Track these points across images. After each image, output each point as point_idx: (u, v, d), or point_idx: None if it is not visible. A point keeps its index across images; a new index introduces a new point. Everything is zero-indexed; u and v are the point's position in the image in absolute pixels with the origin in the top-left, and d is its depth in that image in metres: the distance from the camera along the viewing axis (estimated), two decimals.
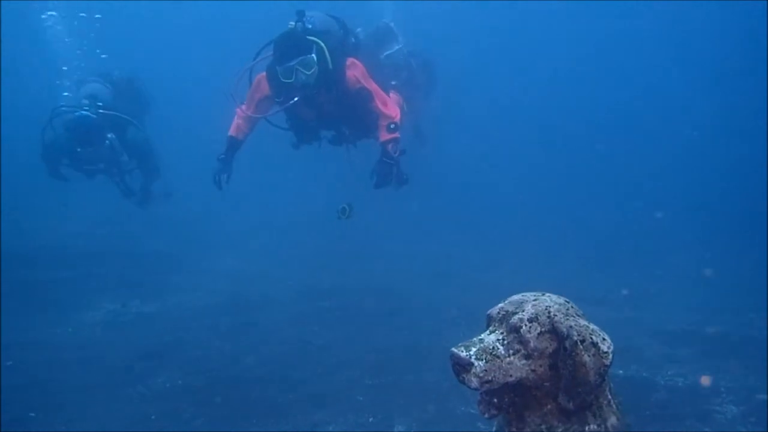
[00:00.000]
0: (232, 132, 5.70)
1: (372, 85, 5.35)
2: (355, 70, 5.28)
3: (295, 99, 5.04)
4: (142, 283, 7.95)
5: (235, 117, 5.68)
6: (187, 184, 11.25)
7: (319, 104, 5.27)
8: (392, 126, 5.25)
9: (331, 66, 5.05)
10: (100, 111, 6.77)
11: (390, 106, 5.42)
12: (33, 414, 4.30)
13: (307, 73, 4.94)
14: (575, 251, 10.20)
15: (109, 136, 6.72)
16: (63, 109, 6.77)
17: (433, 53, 8.52)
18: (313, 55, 4.95)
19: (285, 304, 7.26)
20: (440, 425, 4.18)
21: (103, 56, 8.58)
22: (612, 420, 1.75)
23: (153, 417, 4.34)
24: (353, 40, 5.80)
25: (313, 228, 10.21)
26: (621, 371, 5.19)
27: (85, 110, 6.66)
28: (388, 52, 6.99)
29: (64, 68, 9.18)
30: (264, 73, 5.34)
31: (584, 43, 18.40)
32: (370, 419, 4.35)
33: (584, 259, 9.80)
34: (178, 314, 6.90)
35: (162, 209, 7.73)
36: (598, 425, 1.72)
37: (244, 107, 5.54)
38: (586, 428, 1.71)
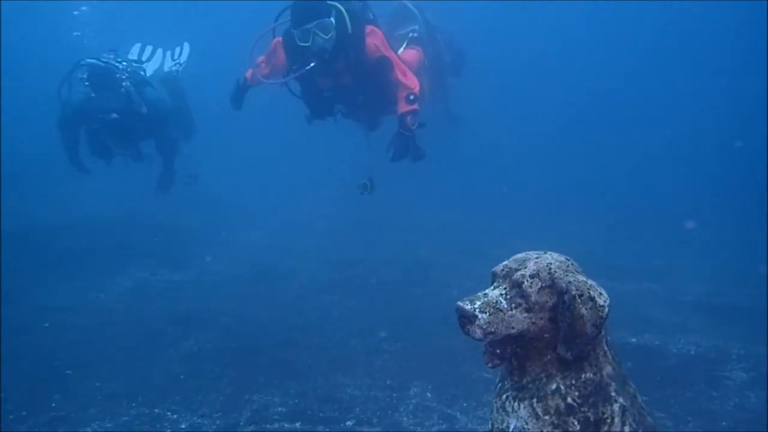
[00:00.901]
0: (248, 75, 5.80)
1: (391, 54, 5.21)
2: (375, 38, 5.14)
3: (312, 65, 4.91)
4: (169, 253, 8.15)
5: (254, 66, 5.67)
6: (212, 161, 11.50)
7: (336, 73, 5.13)
8: (411, 97, 5.09)
9: (350, 31, 4.92)
10: (119, 62, 6.84)
11: (410, 76, 5.26)
12: (69, 371, 4.52)
13: (324, 37, 4.82)
14: (598, 225, 10.23)
15: (125, 83, 6.62)
16: (80, 64, 6.69)
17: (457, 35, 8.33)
18: (332, 19, 4.83)
19: (307, 275, 7.42)
20: (455, 388, 4.29)
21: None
22: (607, 369, 1.85)
23: (182, 377, 4.52)
24: (371, 15, 5.63)
25: (335, 200, 10.34)
26: (634, 339, 5.27)
27: (104, 60, 6.68)
28: (401, 32, 6.82)
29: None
30: (280, 38, 5.23)
31: (584, 41, 18.25)
32: (388, 382, 4.48)
33: (606, 233, 9.85)
34: (204, 283, 7.10)
35: (187, 189, 7.64)
36: (594, 374, 1.82)
37: (262, 66, 5.52)
38: (583, 376, 1.81)
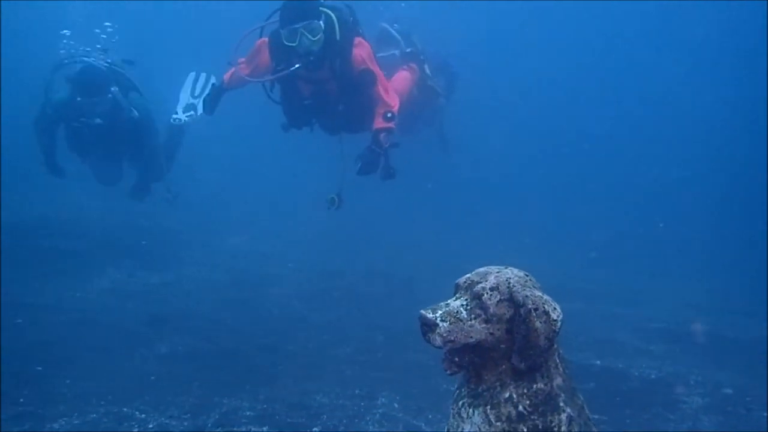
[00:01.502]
0: (225, 77, 5.71)
1: (376, 69, 5.17)
2: (362, 50, 5.09)
3: (296, 66, 4.83)
4: (148, 255, 8.14)
5: (234, 68, 5.54)
6: (195, 168, 11.51)
7: (319, 80, 5.08)
8: (389, 115, 5.06)
9: (338, 37, 4.89)
10: (108, 63, 6.54)
11: (391, 94, 5.25)
12: (40, 368, 4.51)
13: (312, 38, 4.76)
14: (576, 248, 10.43)
15: (112, 88, 6.34)
16: (66, 61, 6.47)
17: (451, 56, 8.40)
18: (321, 22, 4.80)
19: (286, 283, 7.46)
20: (422, 400, 4.36)
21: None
22: (558, 381, 1.94)
23: (153, 378, 4.54)
24: (360, 30, 5.52)
25: (316, 211, 10.40)
26: (599, 362, 5.39)
27: (93, 59, 6.43)
28: (381, 55, 6.65)
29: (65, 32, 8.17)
30: (266, 39, 5.17)
31: (583, 42, 18.38)
32: (357, 391, 4.54)
33: (583, 256, 10.06)
34: (182, 287, 7.10)
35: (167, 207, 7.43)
36: (545, 384, 1.91)
37: (243, 65, 5.40)
38: (534, 386, 1.90)
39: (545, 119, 17.48)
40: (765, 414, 4.35)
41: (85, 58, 6.46)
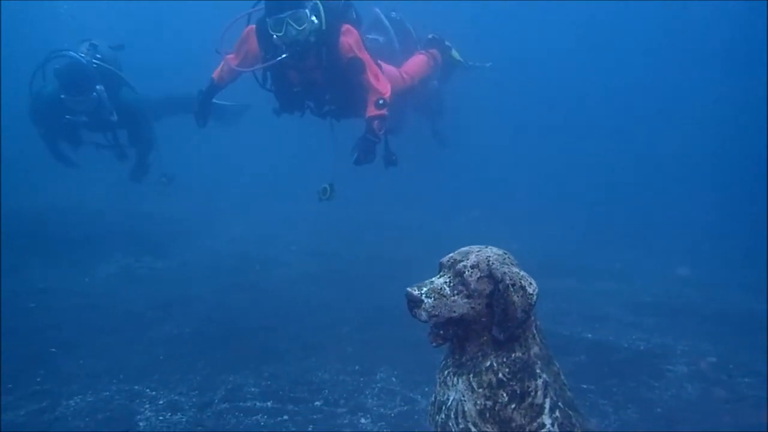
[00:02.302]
0: (214, 75, 5.58)
1: (365, 56, 5.08)
2: (350, 37, 5.01)
3: (283, 56, 4.78)
4: (153, 241, 8.31)
5: (222, 63, 5.48)
6: (197, 154, 11.63)
7: (307, 68, 5.02)
8: (381, 102, 4.97)
9: (324, 26, 4.83)
10: (96, 61, 6.42)
11: (381, 80, 5.14)
12: (54, 349, 4.69)
13: (297, 28, 4.69)
14: (574, 228, 10.57)
15: (97, 87, 6.22)
16: (56, 54, 6.39)
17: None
18: (307, 10, 4.72)
19: (288, 266, 7.63)
20: (418, 375, 4.50)
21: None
22: (535, 350, 2.08)
23: (161, 357, 4.71)
24: (354, 15, 5.41)
25: (313, 197, 10.50)
26: (590, 335, 5.55)
27: (81, 55, 6.33)
28: (368, 36, 6.55)
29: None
30: (253, 26, 5.10)
31: (583, 40, 18.34)
32: (356, 367, 4.69)
33: (582, 236, 10.21)
34: (186, 271, 7.27)
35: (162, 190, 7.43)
36: (523, 353, 2.05)
37: (231, 57, 5.31)
38: (513, 355, 2.05)
39: (543, 111, 17.47)
40: (745, 380, 4.52)
41: (73, 53, 6.35)
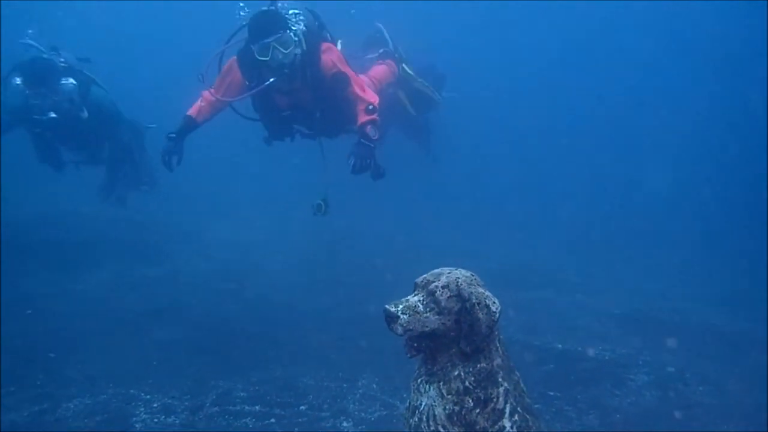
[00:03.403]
0: (191, 112, 5.28)
1: (348, 70, 5.11)
2: (331, 55, 5.03)
3: (271, 80, 4.77)
4: (144, 248, 8.46)
5: (200, 99, 5.28)
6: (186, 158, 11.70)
7: (294, 91, 5.02)
8: (370, 108, 4.91)
9: (305, 47, 4.84)
10: (62, 61, 6.15)
11: (368, 92, 5.15)
12: (52, 354, 4.85)
13: (284, 51, 4.69)
14: (553, 239, 10.86)
15: (64, 81, 5.91)
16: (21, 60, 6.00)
17: (436, 56, 8.40)
18: (291, 33, 4.74)
19: (275, 274, 7.79)
20: (398, 381, 4.69)
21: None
22: (497, 360, 2.33)
23: (154, 363, 4.89)
24: (328, 36, 5.42)
25: (304, 203, 10.69)
26: (560, 345, 5.78)
27: (45, 54, 6.06)
28: (370, 56, 6.87)
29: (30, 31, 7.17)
30: (235, 57, 5.06)
31: (581, 39, 18.45)
32: (339, 374, 4.88)
33: (559, 247, 10.50)
34: (177, 279, 7.41)
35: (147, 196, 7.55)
36: (487, 363, 2.30)
37: (212, 90, 5.17)
38: (478, 366, 2.29)
39: (533, 117, 17.63)
40: (700, 388, 4.81)
41: (35, 52, 6.10)
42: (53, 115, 5.89)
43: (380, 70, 6.52)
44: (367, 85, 5.45)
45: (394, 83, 6.75)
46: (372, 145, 4.85)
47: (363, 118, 4.92)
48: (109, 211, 9.90)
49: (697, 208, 12.99)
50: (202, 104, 5.26)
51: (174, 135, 5.19)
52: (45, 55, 6.12)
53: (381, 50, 6.91)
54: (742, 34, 15.75)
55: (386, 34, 7.13)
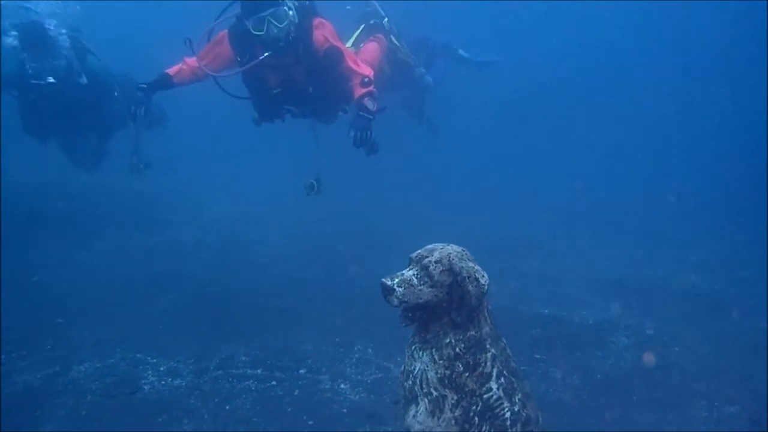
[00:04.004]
0: (170, 71, 5.17)
1: (341, 45, 5.07)
2: (324, 30, 4.97)
3: (266, 54, 4.69)
4: (142, 218, 8.55)
5: (181, 62, 5.17)
6: (183, 130, 11.72)
7: (285, 66, 4.94)
8: (366, 80, 4.87)
9: (297, 21, 4.78)
10: (61, 30, 5.97)
11: (362, 65, 5.10)
12: (60, 320, 5.02)
13: (279, 25, 4.65)
14: (541, 209, 11.02)
15: (64, 45, 5.79)
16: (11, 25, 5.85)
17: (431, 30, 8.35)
18: (285, 7, 4.69)
19: (271, 243, 7.96)
20: (392, 346, 4.87)
21: None
22: (486, 329, 2.51)
23: (159, 329, 5.05)
24: (318, 12, 5.25)
25: (301, 173, 10.78)
26: (546, 311, 5.99)
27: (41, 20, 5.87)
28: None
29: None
30: (226, 31, 4.97)
31: (585, 41, 18.31)
32: (336, 339, 5.06)
33: (548, 215, 10.67)
34: (176, 248, 7.56)
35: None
36: (476, 332, 2.48)
37: (198, 57, 5.03)
38: (468, 334, 2.46)
39: (537, 109, 17.50)
40: (675, 349, 5.05)
41: (32, 16, 5.99)
42: (51, 80, 5.71)
43: (371, 49, 6.37)
44: (362, 61, 5.38)
45: (383, 57, 6.74)
46: (371, 117, 4.78)
47: (359, 91, 4.88)
48: (107, 180, 10.02)
49: (683, 176, 13.16)
50: (183, 67, 5.18)
51: (145, 86, 5.09)
52: (39, 20, 5.95)
53: (371, 21, 6.78)
54: (742, 34, 15.69)
55: (380, 10, 7.00)
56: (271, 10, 4.62)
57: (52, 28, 5.95)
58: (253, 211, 9.75)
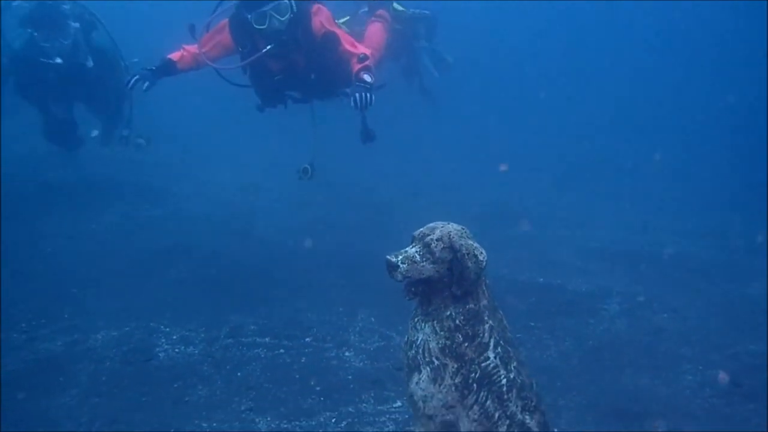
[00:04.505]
0: (173, 56, 5.19)
1: (336, 29, 5.13)
2: (321, 16, 5.04)
3: (269, 47, 4.77)
4: (146, 189, 8.60)
5: (182, 49, 5.21)
6: (183, 101, 11.70)
7: (286, 55, 5.01)
8: (362, 56, 4.92)
9: (295, 9, 4.84)
10: (66, 3, 5.95)
11: (359, 46, 5.18)
12: (75, 290, 5.19)
13: (281, 18, 4.72)
14: (536, 177, 11.12)
15: (73, 24, 5.80)
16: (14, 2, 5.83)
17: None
18: (287, 0, 4.76)
19: (275, 215, 8.04)
20: (394, 316, 4.96)
21: None
22: (483, 302, 2.66)
23: (170, 298, 5.22)
24: None
25: (304, 143, 10.82)
26: (541, 279, 6.16)
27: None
28: (362, 10, 6.85)
29: None
30: (227, 20, 5.00)
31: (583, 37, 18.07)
32: (340, 309, 5.22)
33: (543, 184, 10.79)
34: (182, 219, 7.62)
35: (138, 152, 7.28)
36: (474, 305, 2.62)
37: (201, 43, 5.08)
38: (467, 306, 2.61)
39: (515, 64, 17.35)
40: (664, 315, 5.26)
41: None
42: (59, 60, 5.75)
43: (375, 30, 6.41)
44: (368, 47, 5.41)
45: (389, 37, 6.69)
46: (369, 86, 4.72)
47: (356, 66, 4.91)
48: (109, 151, 10.07)
49: (678, 145, 13.18)
50: (184, 53, 5.21)
51: (152, 69, 5.10)
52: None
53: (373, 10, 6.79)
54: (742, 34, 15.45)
55: None
56: (272, 5, 4.68)
57: (61, 4, 5.89)
58: (254, 182, 9.81)
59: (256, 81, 5.26)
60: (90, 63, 6.02)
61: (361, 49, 5.14)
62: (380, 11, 6.81)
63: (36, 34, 5.65)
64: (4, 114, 8.68)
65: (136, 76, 5.03)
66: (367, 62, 4.93)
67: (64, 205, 7.42)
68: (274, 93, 5.33)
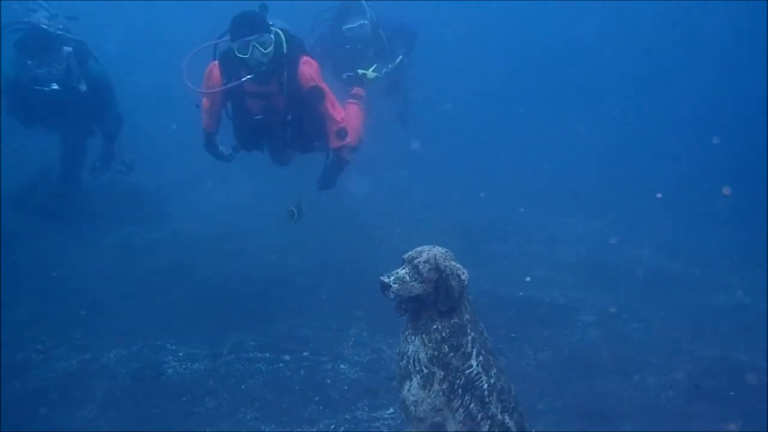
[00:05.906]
0: (203, 125, 5.52)
1: (325, 86, 5.25)
2: (310, 68, 5.13)
3: (248, 77, 4.86)
4: (143, 212, 8.81)
5: (201, 110, 5.44)
6: (177, 121, 11.88)
7: (268, 95, 5.12)
8: (342, 132, 5.26)
9: (285, 50, 4.96)
10: (60, 29, 5.94)
11: (338, 108, 5.37)
12: (84, 312, 5.43)
13: (263, 51, 4.80)
14: (514, 195, 11.43)
15: (66, 48, 5.73)
16: (13, 26, 5.79)
17: (412, 18, 8.41)
18: (272, 36, 4.88)
19: (270, 235, 8.30)
20: (384, 330, 5.27)
21: None
22: (466, 316, 2.98)
23: (174, 318, 5.46)
24: (307, 50, 5.53)
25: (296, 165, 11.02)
26: (521, 293, 6.45)
27: (44, 22, 5.81)
28: (349, 26, 7.07)
29: None
30: (216, 61, 5.10)
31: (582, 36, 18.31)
32: (333, 324, 5.47)
33: (521, 202, 11.09)
34: (180, 241, 7.86)
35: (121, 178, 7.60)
36: (458, 319, 2.95)
37: (204, 101, 5.30)
38: (452, 321, 2.93)
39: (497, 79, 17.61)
40: (633, 325, 5.61)
41: (34, 21, 5.85)
42: (56, 86, 5.70)
43: (352, 114, 6.60)
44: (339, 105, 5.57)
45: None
46: (345, 165, 5.37)
47: (336, 143, 5.30)
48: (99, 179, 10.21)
49: (653, 163, 13.52)
50: (204, 116, 5.46)
51: (206, 142, 5.61)
52: (44, 25, 5.93)
53: (344, 76, 7.09)
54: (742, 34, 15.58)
55: (364, 4, 7.28)
56: (256, 36, 4.79)
57: (55, 29, 5.90)
58: (245, 204, 10.06)
59: (235, 118, 5.36)
60: (83, 87, 5.98)
61: (339, 112, 5.39)
62: (356, 89, 7.09)
63: (30, 62, 5.60)
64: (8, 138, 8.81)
65: (218, 157, 5.69)
66: (346, 140, 5.34)
67: (67, 229, 7.63)
68: (251, 135, 5.45)
